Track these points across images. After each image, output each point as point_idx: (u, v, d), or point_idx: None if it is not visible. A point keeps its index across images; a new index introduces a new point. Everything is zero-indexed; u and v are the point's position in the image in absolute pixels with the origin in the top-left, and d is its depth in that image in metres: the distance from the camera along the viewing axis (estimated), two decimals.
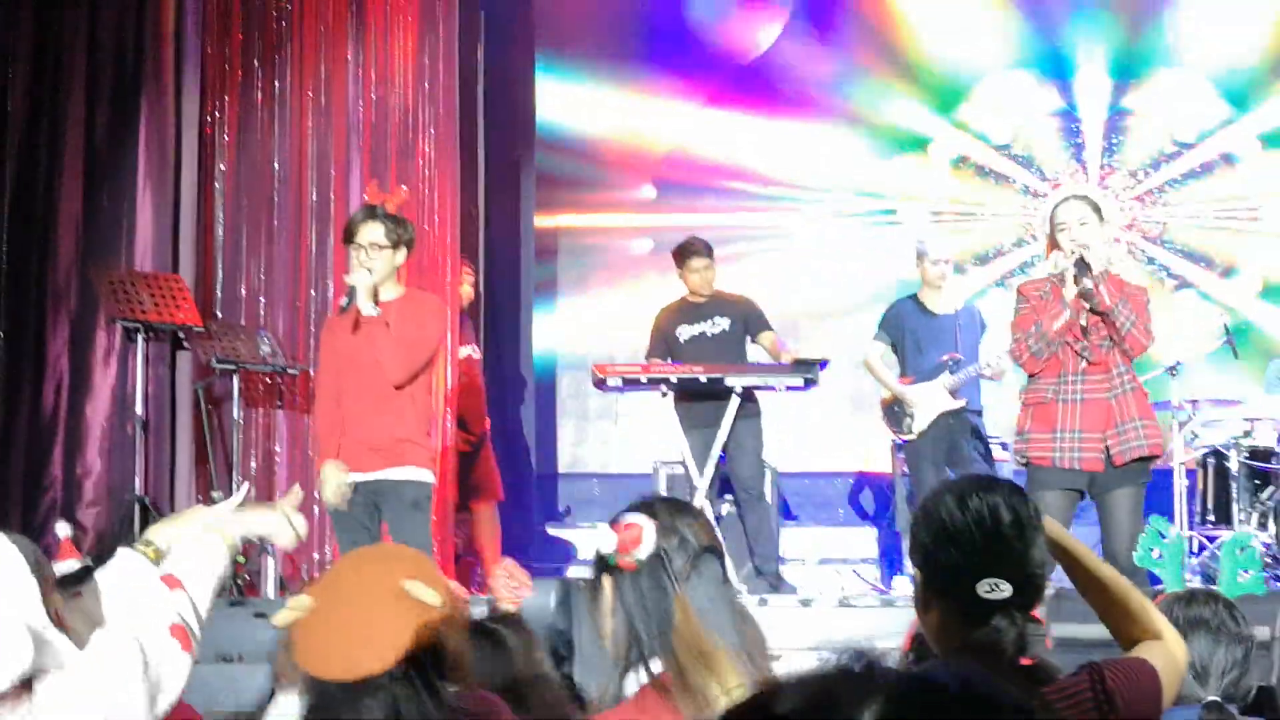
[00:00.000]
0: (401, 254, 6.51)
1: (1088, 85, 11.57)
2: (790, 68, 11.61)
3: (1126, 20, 11.54)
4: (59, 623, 2.77)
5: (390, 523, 6.55)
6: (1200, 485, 9.06)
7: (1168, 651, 2.81)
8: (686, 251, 8.86)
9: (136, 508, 8.06)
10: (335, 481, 6.47)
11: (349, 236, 6.48)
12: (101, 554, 3.94)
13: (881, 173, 11.73)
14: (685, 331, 8.84)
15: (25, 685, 2.64)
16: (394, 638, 2.48)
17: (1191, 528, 8.90)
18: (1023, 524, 2.73)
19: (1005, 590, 2.66)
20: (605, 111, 11.78)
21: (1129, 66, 11.55)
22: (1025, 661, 2.73)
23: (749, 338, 8.86)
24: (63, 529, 3.23)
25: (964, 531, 2.73)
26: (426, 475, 6.63)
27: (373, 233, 6.41)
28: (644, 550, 2.67)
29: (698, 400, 8.49)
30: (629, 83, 11.78)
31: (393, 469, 6.50)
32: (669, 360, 8.75)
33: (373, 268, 6.40)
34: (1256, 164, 11.47)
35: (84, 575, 3.34)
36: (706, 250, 8.85)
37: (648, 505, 2.80)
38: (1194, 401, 9.05)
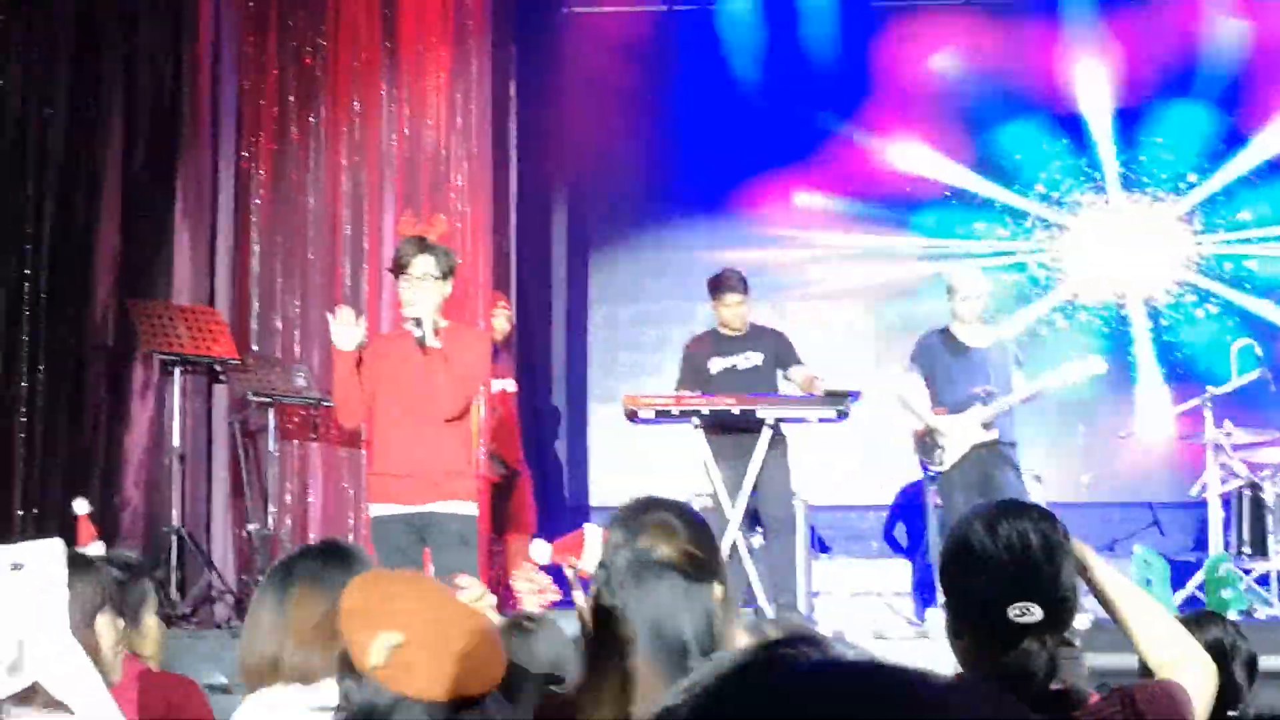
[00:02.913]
0: (449, 285, 6.54)
1: (1099, 119, 11.59)
2: (800, 130, 11.68)
3: (1129, 51, 11.55)
4: (94, 651, 2.84)
5: (436, 555, 6.53)
6: (1235, 516, 9.02)
7: (1199, 674, 2.82)
8: (721, 285, 8.78)
9: (174, 540, 8.11)
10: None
11: (401, 268, 6.46)
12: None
13: (906, 216, 11.76)
14: (716, 364, 8.80)
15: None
16: (496, 662, 2.57)
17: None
18: (1052, 548, 2.75)
19: (1036, 614, 2.68)
20: (632, 153, 11.86)
21: (1137, 97, 11.57)
22: (1057, 686, 2.74)
23: (780, 371, 8.82)
24: (80, 506, 3.32)
25: (994, 558, 2.75)
26: (472, 508, 6.63)
27: (426, 264, 6.42)
28: (586, 560, 2.72)
29: (729, 433, 8.47)
30: (658, 125, 11.85)
31: (440, 502, 6.49)
32: (699, 391, 8.72)
33: (429, 299, 6.42)
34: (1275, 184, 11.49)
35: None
36: (741, 286, 8.76)
37: (620, 514, 2.84)
38: (1229, 432, 9.01)
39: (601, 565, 2.76)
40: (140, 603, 4.08)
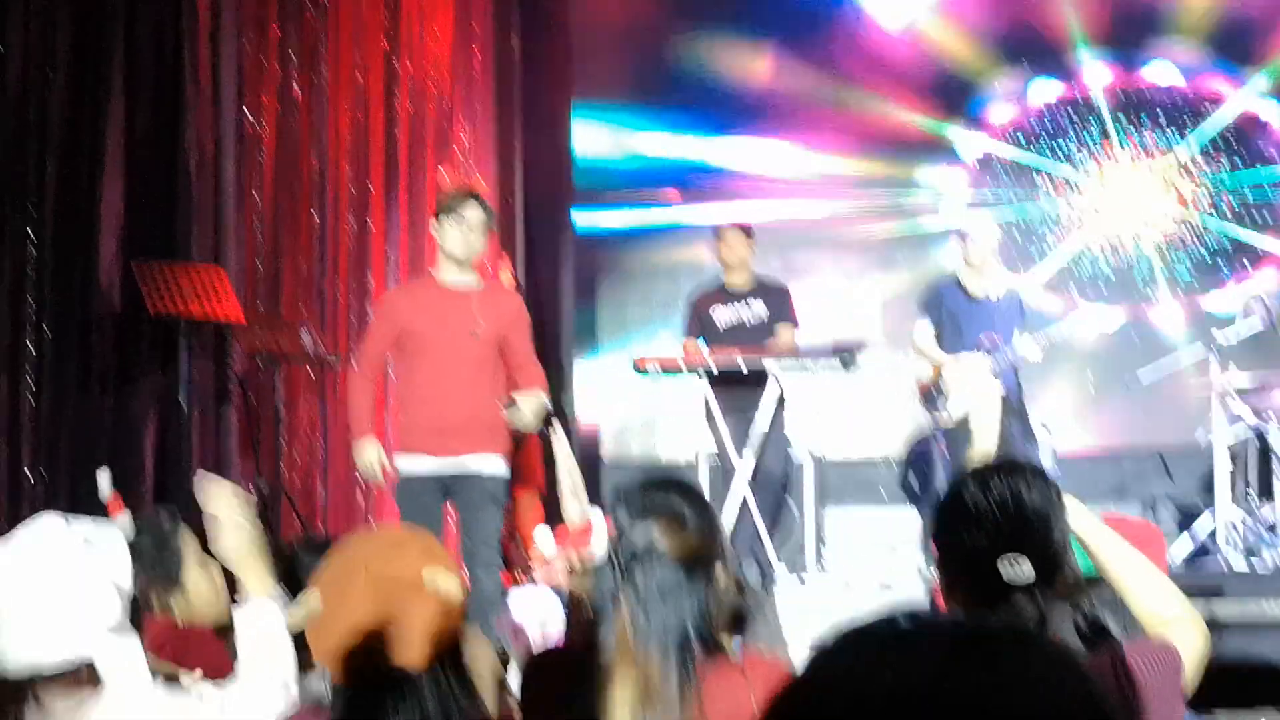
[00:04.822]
0: (486, 242, 6.75)
1: (1092, 68, 11.52)
2: (797, 93, 11.63)
3: None
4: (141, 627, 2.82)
5: (464, 512, 6.55)
6: (1242, 462, 9.02)
7: (1191, 632, 2.83)
8: (723, 226, 9.00)
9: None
10: (369, 459, 6.64)
11: (451, 208, 6.59)
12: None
13: (910, 175, 11.72)
14: (722, 314, 8.85)
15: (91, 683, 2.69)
16: (420, 633, 2.45)
17: (1234, 505, 8.87)
18: (1044, 505, 2.77)
19: (1026, 568, 2.70)
20: (641, 109, 11.85)
21: (1129, 41, 11.51)
22: None
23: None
24: (105, 482, 3.25)
25: (987, 514, 2.77)
26: (503, 467, 6.65)
27: (478, 213, 6.59)
28: (596, 546, 2.72)
29: (734, 386, 8.50)
30: (667, 80, 11.83)
31: (473, 455, 6.52)
32: (702, 339, 8.78)
33: (479, 246, 6.62)
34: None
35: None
36: (744, 228, 8.94)
37: (624, 495, 2.82)
38: (1234, 378, 8.98)
39: (607, 556, 2.75)
40: (179, 564, 3.71)
